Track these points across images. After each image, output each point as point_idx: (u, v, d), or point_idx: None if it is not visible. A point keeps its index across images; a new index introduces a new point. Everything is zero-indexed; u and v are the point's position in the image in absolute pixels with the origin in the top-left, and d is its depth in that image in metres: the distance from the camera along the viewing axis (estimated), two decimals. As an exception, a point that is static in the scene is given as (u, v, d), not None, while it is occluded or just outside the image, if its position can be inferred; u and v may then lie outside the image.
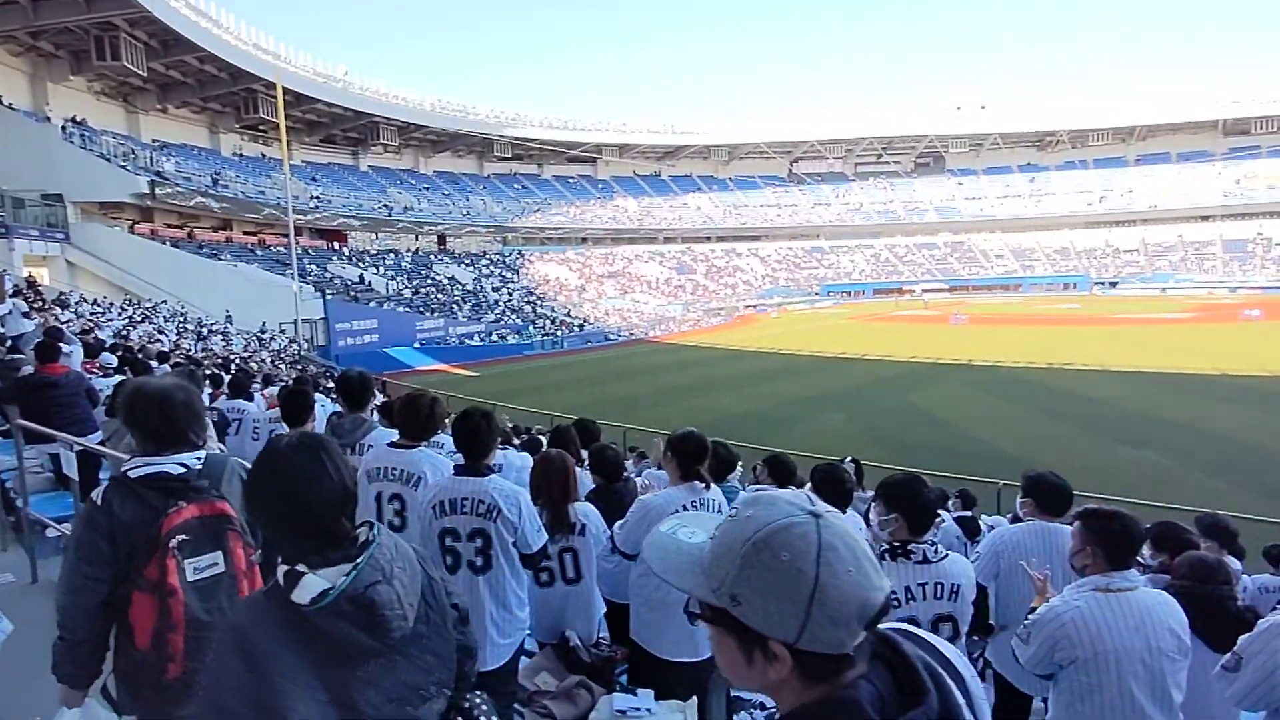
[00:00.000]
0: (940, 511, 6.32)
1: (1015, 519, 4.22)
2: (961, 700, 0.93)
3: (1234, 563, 4.15)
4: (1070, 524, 2.78)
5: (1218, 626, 2.63)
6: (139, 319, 23.33)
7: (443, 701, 1.50)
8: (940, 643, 1.03)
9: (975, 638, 3.42)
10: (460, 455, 2.94)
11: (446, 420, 3.91)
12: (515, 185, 73.64)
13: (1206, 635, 2.62)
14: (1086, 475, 12.32)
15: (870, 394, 23.64)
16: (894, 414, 20.40)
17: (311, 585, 1.32)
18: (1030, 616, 2.53)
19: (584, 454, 4.45)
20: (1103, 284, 67.89)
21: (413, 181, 64.97)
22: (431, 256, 57.18)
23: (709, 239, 76.65)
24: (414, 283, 48.65)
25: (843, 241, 79.65)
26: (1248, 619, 2.66)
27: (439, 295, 47.73)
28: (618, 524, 3.22)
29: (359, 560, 1.37)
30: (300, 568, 1.34)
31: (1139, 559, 3.80)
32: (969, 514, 5.55)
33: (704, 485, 3.22)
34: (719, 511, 3.26)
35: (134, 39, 34.86)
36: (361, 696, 1.34)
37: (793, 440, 14.80)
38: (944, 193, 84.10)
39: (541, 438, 8.53)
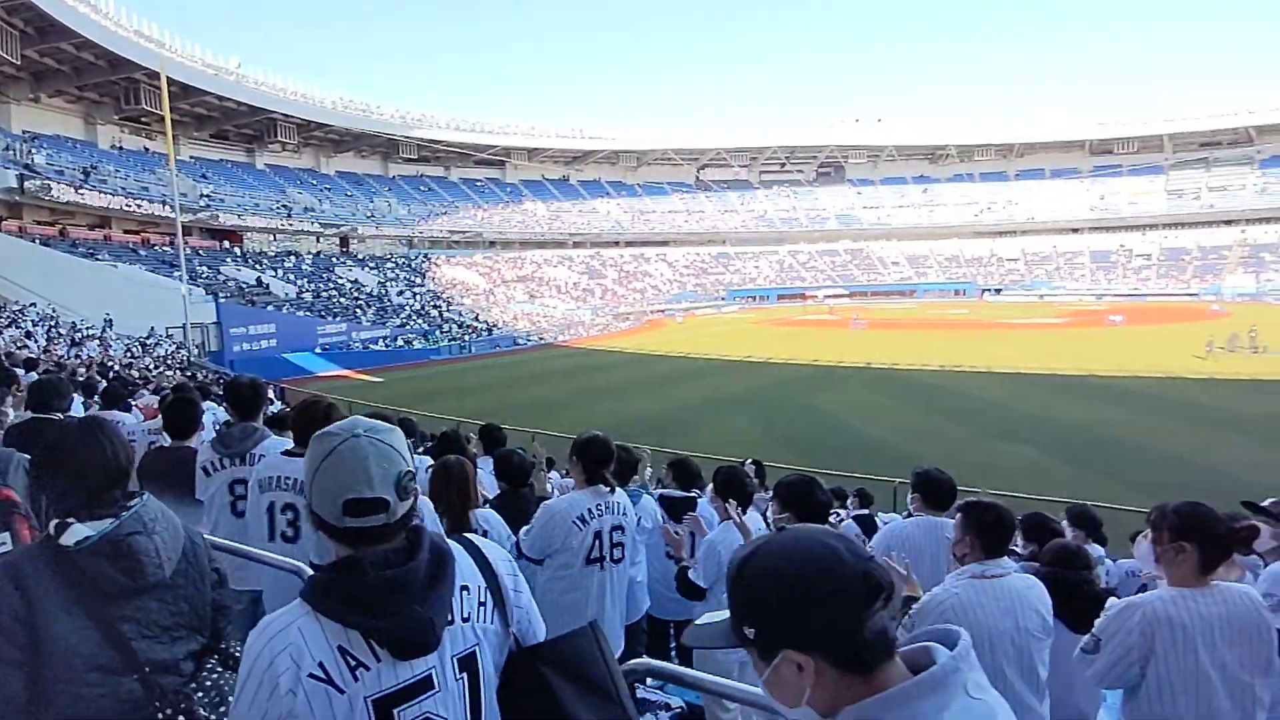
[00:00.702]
0: (839, 510, 6.59)
1: (908, 515, 4.42)
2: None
3: (1098, 549, 4.48)
4: (954, 517, 2.95)
5: (1078, 609, 2.83)
6: (4, 323, 21.46)
7: (194, 643, 1.77)
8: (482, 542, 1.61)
9: None
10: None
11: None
12: (422, 187, 71.97)
13: (1067, 617, 2.81)
14: (972, 470, 13.07)
15: (775, 396, 24.30)
16: (797, 415, 21.05)
17: (77, 531, 1.59)
18: (914, 606, 2.65)
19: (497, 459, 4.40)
20: (989, 290, 72.22)
21: (314, 182, 62.47)
22: (334, 259, 55.01)
23: (618, 244, 77.00)
24: (315, 286, 46.72)
25: (748, 248, 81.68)
26: (1104, 601, 2.86)
27: (342, 299, 46.01)
28: (523, 529, 3.21)
29: (122, 515, 1.65)
30: (70, 520, 1.60)
31: (1013, 548, 4.06)
32: (866, 512, 5.79)
33: (609, 489, 3.24)
34: (623, 514, 3.30)
35: (9, 25, 32.16)
36: (119, 627, 1.61)
37: (700, 442, 15.05)
38: (844, 202, 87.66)
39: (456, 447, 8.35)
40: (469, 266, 62.92)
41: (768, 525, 3.21)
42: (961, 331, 43.65)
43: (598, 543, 3.13)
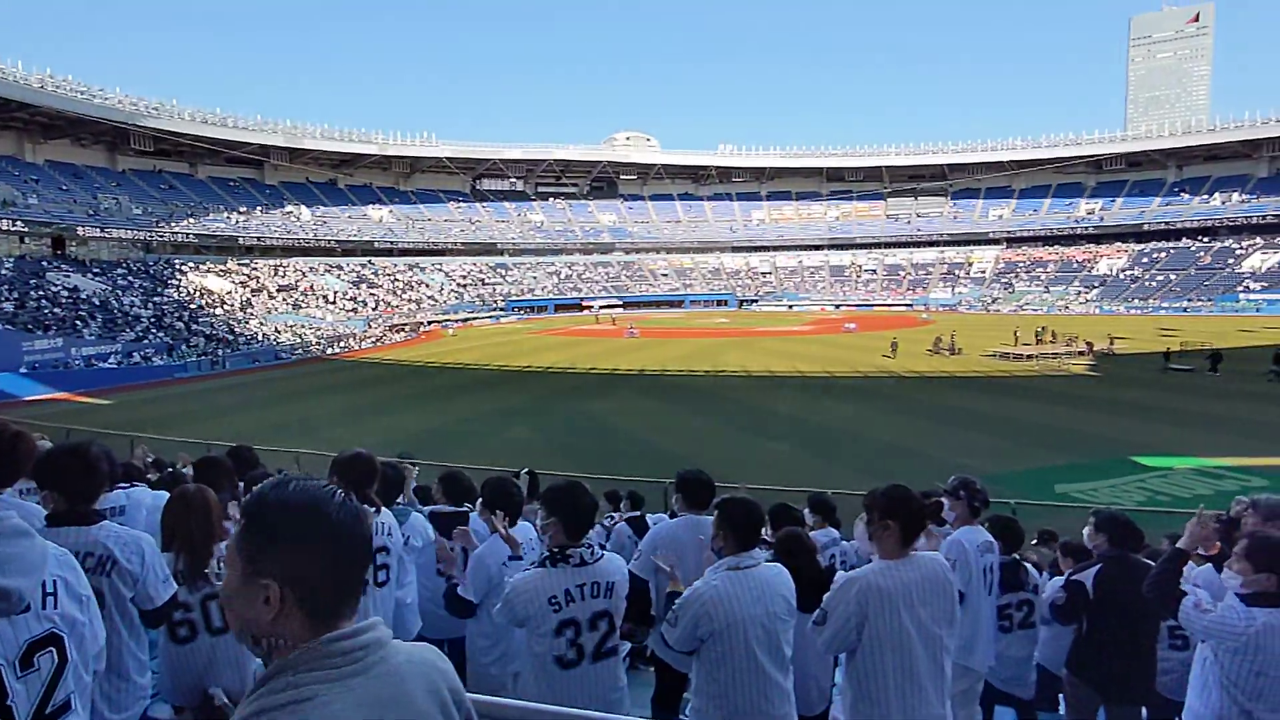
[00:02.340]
0: (613, 513, 6.79)
1: (674, 515, 4.65)
2: None
3: (833, 533, 5.04)
4: (713, 514, 3.15)
5: (804, 589, 3.14)
6: None
7: None
8: None
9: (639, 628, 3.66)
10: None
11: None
12: (162, 185, 63.43)
13: (796, 597, 3.08)
14: (735, 467, 14.10)
15: (553, 405, 24.55)
16: (575, 423, 21.42)
17: None
18: (676, 601, 2.82)
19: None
20: (747, 301, 78.92)
21: (14, 171, 52.36)
22: (44, 263, 46.47)
23: (391, 252, 73.47)
24: (18, 294, 39.33)
25: (525, 258, 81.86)
26: (827, 579, 3.23)
27: (55, 310, 39.12)
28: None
29: None
30: None
31: (765, 538, 4.45)
32: (638, 514, 6.00)
33: (372, 509, 3.10)
34: (388, 535, 3.17)
35: None
36: None
37: (479, 453, 14.81)
38: (617, 216, 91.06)
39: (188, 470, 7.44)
40: (222, 274, 56.38)
41: (539, 535, 3.24)
42: (724, 339, 46.99)
43: (360, 567, 2.97)
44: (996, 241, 79.82)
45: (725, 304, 79.10)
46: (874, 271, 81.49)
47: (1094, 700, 3.96)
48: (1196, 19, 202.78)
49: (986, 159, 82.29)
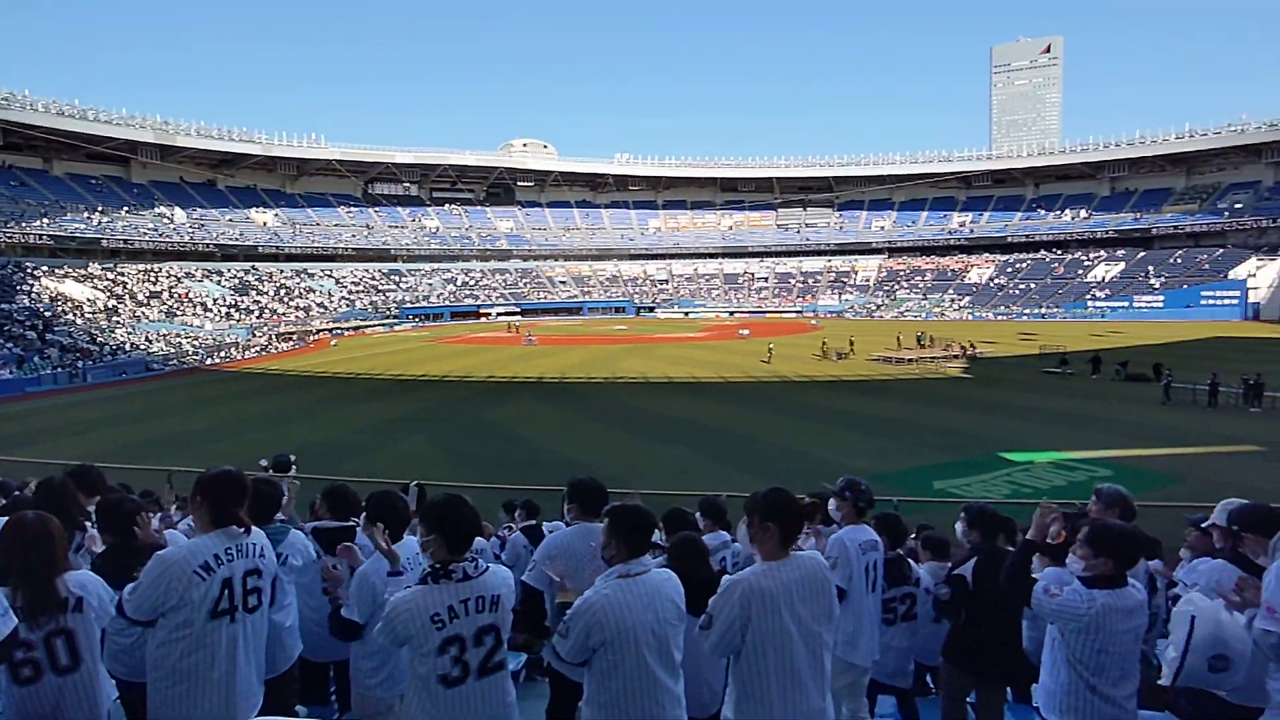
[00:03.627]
0: (510, 524, 6.69)
1: (568, 523, 4.58)
2: None
3: (723, 535, 5.12)
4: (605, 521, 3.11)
5: (699, 593, 3.08)
6: None
7: None
8: None
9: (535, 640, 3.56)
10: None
11: None
12: (11, 181, 57.80)
13: (687, 602, 3.04)
14: (633, 473, 14.25)
15: (451, 414, 24.00)
16: (473, 432, 21.03)
17: None
18: (567, 612, 2.78)
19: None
20: (644, 308, 79.81)
21: None
22: None
23: (276, 258, 69.81)
24: None
25: (420, 265, 79.75)
26: (717, 584, 3.26)
27: None
28: (128, 587, 2.74)
29: None
30: None
31: (658, 543, 4.48)
32: (533, 522, 5.92)
33: (242, 529, 2.93)
34: (260, 556, 3.00)
35: None
36: None
37: (370, 466, 14.29)
38: (514, 223, 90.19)
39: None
40: (83, 279, 51.77)
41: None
42: (622, 345, 47.31)
43: (227, 592, 2.78)
44: (879, 251, 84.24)
45: (623, 311, 79.74)
46: (766, 279, 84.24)
47: (968, 684, 4.20)
48: (1048, 50, 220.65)
49: (869, 173, 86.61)
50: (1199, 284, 60.50)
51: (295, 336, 54.18)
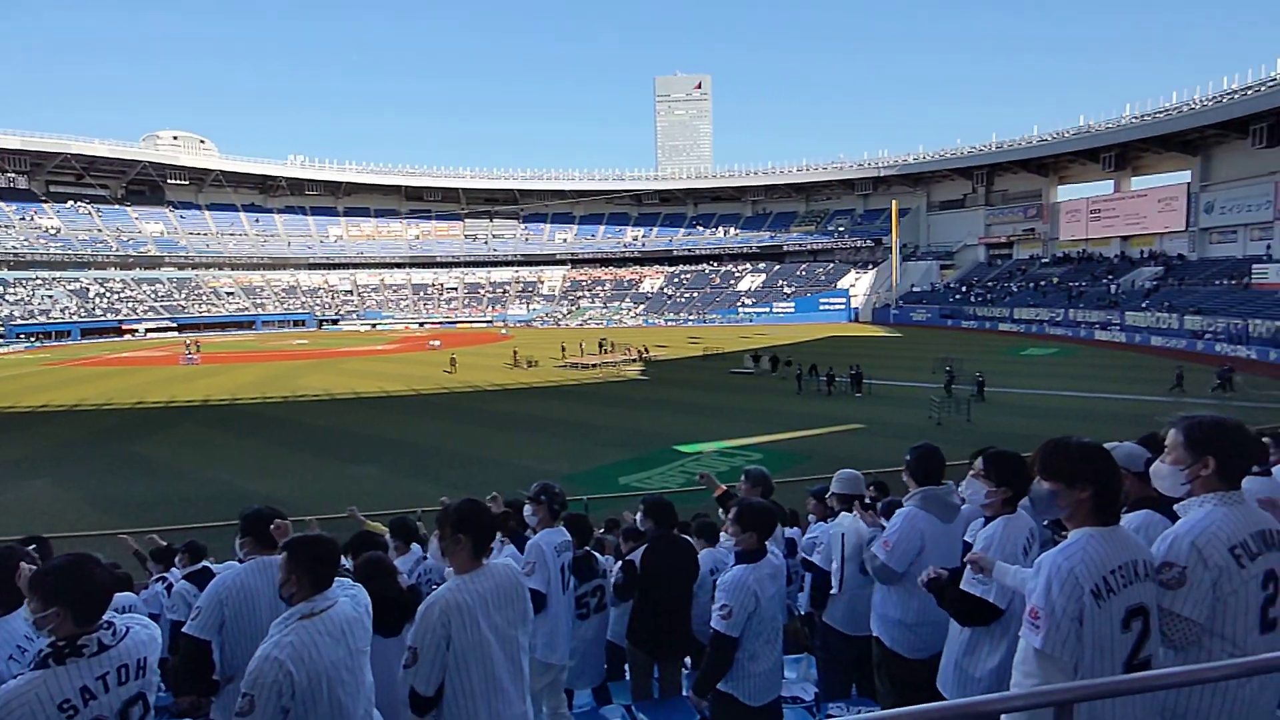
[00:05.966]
0: (165, 574, 5.92)
1: (242, 560, 3.85)
2: None
3: (418, 550, 5.25)
4: None
5: (388, 611, 3.18)
6: None
7: None
8: None
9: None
10: None
11: None
12: None
13: (377, 625, 3.00)
14: (324, 499, 13.45)
15: (86, 451, 20.14)
16: (118, 469, 17.99)
17: None
18: (247, 676, 2.48)
19: None
20: (327, 321, 74.35)
21: None
22: None
23: None
24: None
25: (35, 273, 65.53)
26: (407, 601, 3.29)
27: None
28: None
29: None
30: None
31: (344, 568, 4.34)
32: (199, 566, 5.34)
33: None
34: None
35: None
36: None
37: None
38: (165, 225, 78.19)
39: None
40: None
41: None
42: (303, 361, 43.73)
43: None
44: (563, 262, 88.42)
45: (304, 324, 73.43)
46: (456, 289, 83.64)
47: (649, 662, 4.62)
48: (699, 86, 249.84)
49: (552, 187, 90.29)
50: (818, 292, 73.16)
51: None
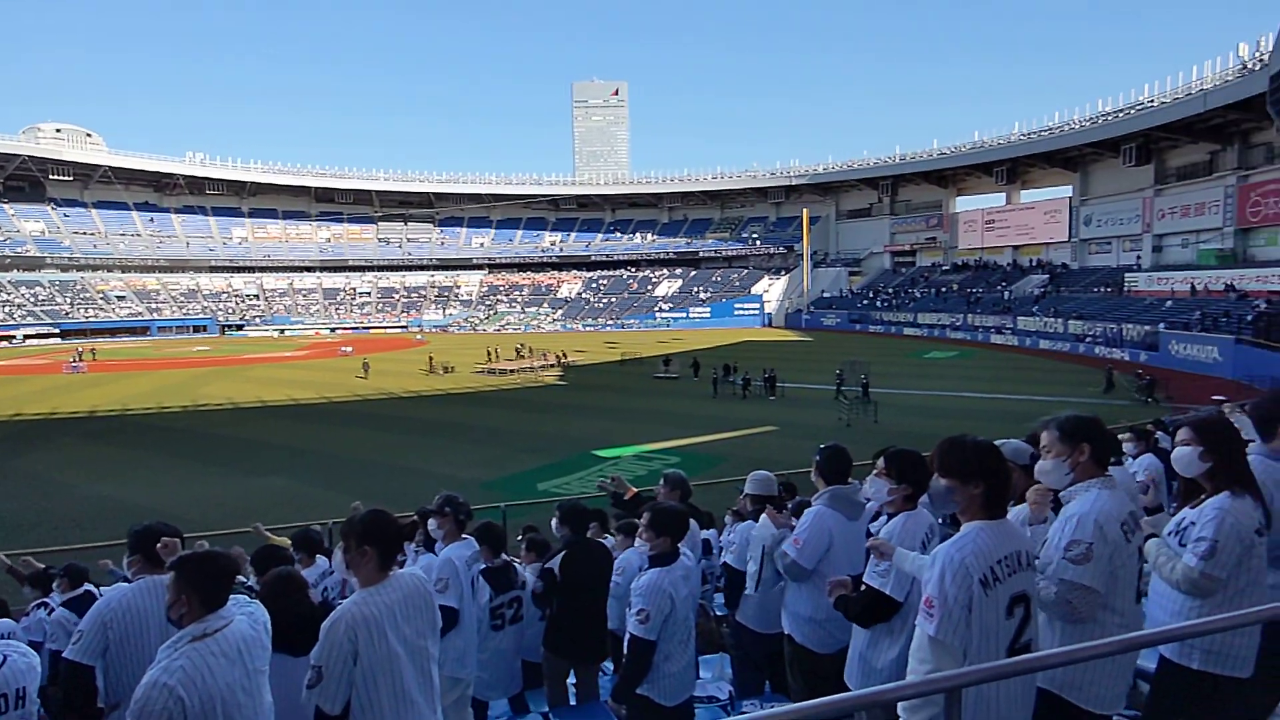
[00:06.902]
0: (47, 599, 5.47)
1: (130, 579, 3.81)
2: None
3: (324, 563, 5.01)
4: None
5: (298, 628, 3.00)
6: None
7: None
8: None
9: None
10: None
11: None
12: None
13: (285, 644, 2.94)
14: (229, 514, 12.82)
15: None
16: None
17: None
18: (134, 705, 2.34)
19: None
20: (231, 326, 70.69)
21: None
22: None
23: None
24: None
25: (-114, 274, 59.80)
26: (320, 617, 2.94)
27: None
28: None
29: None
30: None
31: (250, 585, 4.15)
32: (79, 591, 4.94)
33: None
34: None
35: None
36: None
37: None
38: (47, 224, 72.72)
39: None
40: None
41: None
42: (204, 369, 41.54)
43: None
44: (480, 267, 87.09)
45: (205, 330, 69.60)
46: (369, 294, 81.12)
47: (565, 668, 4.59)
48: (617, 93, 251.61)
49: (468, 190, 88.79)
50: (733, 298, 74.77)
51: None
